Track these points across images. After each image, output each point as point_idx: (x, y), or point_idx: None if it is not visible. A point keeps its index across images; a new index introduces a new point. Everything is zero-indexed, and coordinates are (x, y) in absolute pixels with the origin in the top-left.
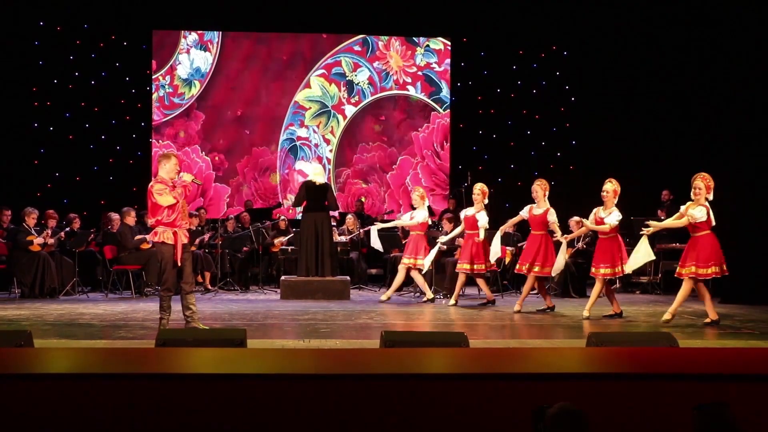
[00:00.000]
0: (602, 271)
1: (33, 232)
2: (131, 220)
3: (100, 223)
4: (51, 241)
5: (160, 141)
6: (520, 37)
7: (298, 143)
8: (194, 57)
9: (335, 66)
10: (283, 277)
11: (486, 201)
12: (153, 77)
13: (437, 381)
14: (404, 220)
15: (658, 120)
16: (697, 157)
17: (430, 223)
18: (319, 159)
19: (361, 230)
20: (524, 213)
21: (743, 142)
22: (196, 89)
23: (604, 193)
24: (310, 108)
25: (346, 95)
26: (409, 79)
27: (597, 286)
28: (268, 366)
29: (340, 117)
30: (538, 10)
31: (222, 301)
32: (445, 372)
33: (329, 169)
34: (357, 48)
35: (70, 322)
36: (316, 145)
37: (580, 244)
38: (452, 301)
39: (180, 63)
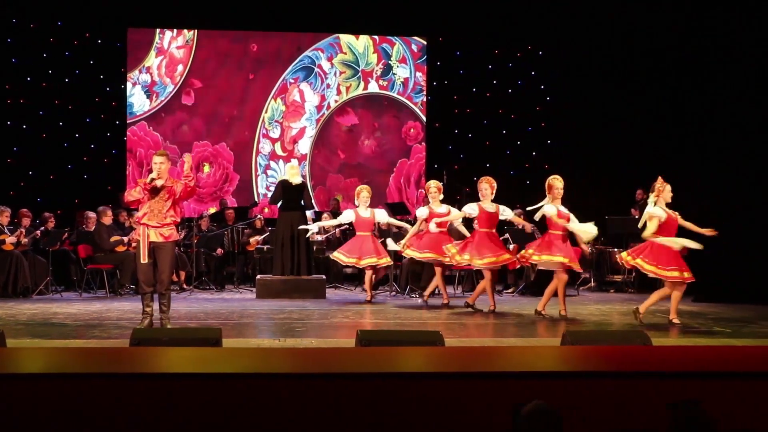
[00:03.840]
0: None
1: (6, 231)
2: (108, 219)
3: (74, 222)
4: (25, 240)
5: None
6: (496, 37)
7: (316, 69)
8: (135, 93)
9: (386, 43)
10: (258, 276)
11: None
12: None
13: (413, 380)
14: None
15: (632, 119)
16: (672, 156)
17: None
18: (322, 98)
19: (337, 230)
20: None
21: (718, 142)
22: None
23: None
24: (346, 54)
25: (378, 73)
26: None
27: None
28: (244, 365)
29: (362, 84)
30: (514, 10)
31: (197, 300)
32: (421, 371)
33: (324, 114)
34: (414, 48)
35: (44, 321)
36: (328, 86)
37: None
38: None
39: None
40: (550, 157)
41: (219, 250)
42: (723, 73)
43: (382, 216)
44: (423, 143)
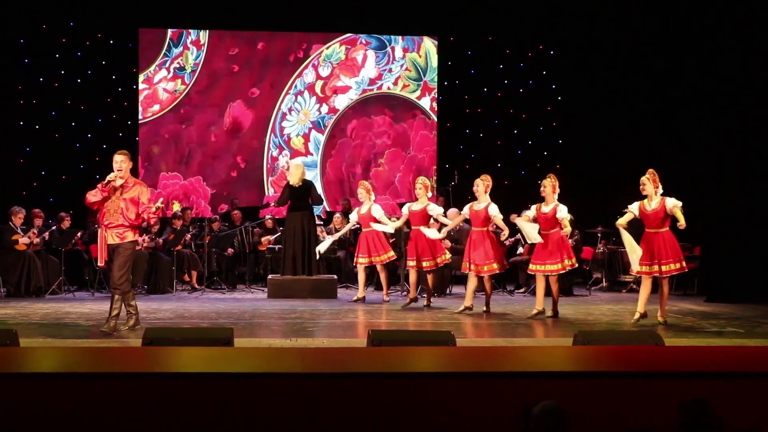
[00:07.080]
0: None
1: (19, 231)
2: None
3: (87, 222)
4: (37, 240)
5: None
6: (507, 36)
7: (388, 50)
8: None
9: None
10: (270, 276)
11: (429, 194)
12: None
13: (424, 380)
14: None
15: (644, 118)
16: (682, 155)
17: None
18: (379, 76)
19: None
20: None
21: (729, 141)
22: None
23: (543, 189)
24: (421, 57)
25: (436, 94)
26: None
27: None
28: (255, 365)
29: (417, 93)
30: (525, 10)
31: (209, 300)
32: (433, 371)
33: (372, 90)
34: None
35: (57, 321)
36: (390, 71)
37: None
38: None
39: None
40: (561, 157)
41: (230, 250)
42: (738, 72)
43: (377, 212)
44: (434, 136)
